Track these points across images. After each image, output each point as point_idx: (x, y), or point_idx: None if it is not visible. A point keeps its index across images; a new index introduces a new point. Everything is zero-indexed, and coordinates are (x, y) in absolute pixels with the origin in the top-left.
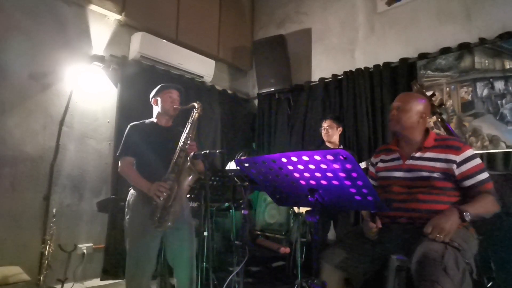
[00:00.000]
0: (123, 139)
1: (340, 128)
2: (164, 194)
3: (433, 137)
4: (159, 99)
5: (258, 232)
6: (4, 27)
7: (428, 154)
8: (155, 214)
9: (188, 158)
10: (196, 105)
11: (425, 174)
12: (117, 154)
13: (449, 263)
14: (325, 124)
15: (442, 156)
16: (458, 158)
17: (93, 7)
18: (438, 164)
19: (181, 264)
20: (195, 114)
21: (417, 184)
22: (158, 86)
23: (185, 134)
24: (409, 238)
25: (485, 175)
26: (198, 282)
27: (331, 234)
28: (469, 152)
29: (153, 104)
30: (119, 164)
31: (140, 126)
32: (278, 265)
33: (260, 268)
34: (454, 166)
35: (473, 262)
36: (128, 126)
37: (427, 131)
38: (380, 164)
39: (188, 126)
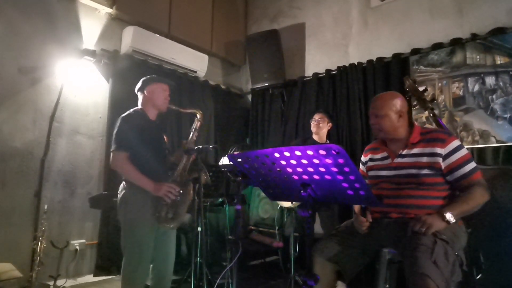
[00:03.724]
0: (116, 132)
1: (330, 124)
2: (174, 196)
3: (418, 131)
4: (151, 90)
5: (252, 227)
6: None
7: (415, 150)
8: (163, 211)
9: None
10: (198, 115)
11: (414, 171)
12: (112, 148)
13: (439, 256)
14: (317, 117)
15: (427, 150)
16: (444, 150)
17: (83, 0)
18: (424, 159)
19: (166, 256)
20: (197, 123)
21: (406, 181)
22: (151, 76)
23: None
24: (400, 233)
25: (471, 165)
26: (192, 277)
27: (317, 228)
28: (455, 143)
29: (142, 93)
30: (112, 158)
31: (133, 118)
32: (272, 260)
33: (254, 263)
34: (440, 159)
35: (463, 254)
36: (120, 119)
37: (412, 126)
38: (370, 163)
39: (192, 133)
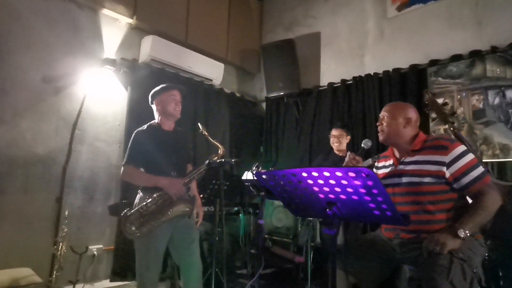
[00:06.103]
0: (129, 146)
1: (349, 137)
2: (180, 194)
3: (421, 139)
4: (159, 101)
5: (266, 236)
6: (19, 31)
7: (417, 157)
8: (142, 218)
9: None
10: (220, 150)
11: (416, 179)
12: (123, 163)
13: (456, 276)
14: (336, 133)
15: (430, 158)
16: (447, 158)
17: (105, 11)
18: (427, 167)
19: (189, 266)
20: (215, 157)
21: (409, 190)
22: (159, 87)
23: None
24: (415, 253)
25: (478, 170)
26: (213, 286)
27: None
28: (458, 150)
29: (154, 106)
30: (122, 171)
31: (146, 133)
32: (285, 267)
33: (267, 271)
34: (444, 168)
35: (481, 270)
36: (134, 133)
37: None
38: (379, 171)
39: (202, 169)
